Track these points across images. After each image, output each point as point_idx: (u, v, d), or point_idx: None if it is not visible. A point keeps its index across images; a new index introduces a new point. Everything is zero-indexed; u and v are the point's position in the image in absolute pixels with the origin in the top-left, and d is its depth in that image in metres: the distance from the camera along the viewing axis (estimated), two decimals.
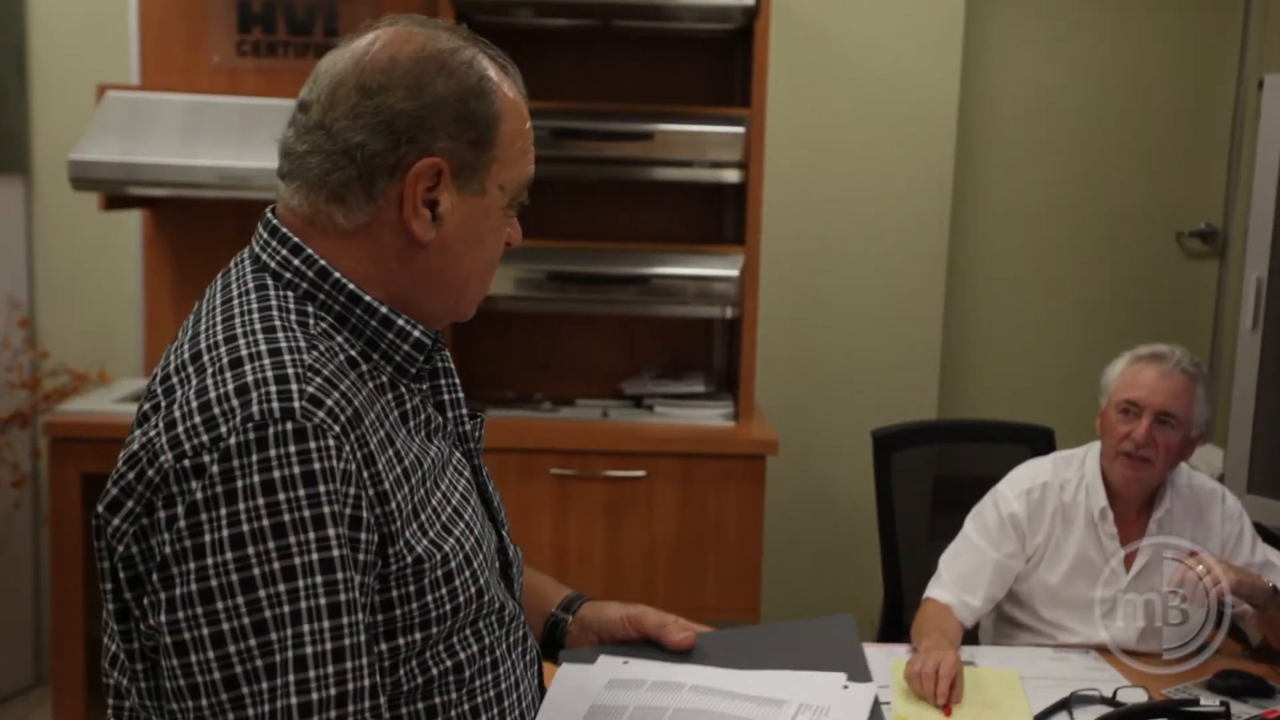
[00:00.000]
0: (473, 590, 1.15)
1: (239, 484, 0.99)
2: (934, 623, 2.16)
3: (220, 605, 0.98)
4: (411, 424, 1.16)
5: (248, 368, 1.05)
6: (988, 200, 3.85)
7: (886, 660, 2.09)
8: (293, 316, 1.11)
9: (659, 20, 3.18)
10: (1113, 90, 3.84)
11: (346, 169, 1.12)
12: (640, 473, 3.05)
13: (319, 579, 1.00)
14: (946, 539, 2.32)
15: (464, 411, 1.28)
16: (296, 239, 1.15)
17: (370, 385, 1.12)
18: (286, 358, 1.06)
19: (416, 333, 1.17)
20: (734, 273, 3.16)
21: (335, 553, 1.01)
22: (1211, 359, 3.85)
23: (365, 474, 1.05)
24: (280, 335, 1.08)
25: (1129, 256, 3.91)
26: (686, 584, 3.08)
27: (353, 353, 1.13)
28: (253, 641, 0.98)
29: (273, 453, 1.00)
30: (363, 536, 1.04)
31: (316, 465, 1.01)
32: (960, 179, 3.77)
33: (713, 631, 1.42)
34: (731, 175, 3.18)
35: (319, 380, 1.05)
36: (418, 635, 1.11)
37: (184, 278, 3.47)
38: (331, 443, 1.02)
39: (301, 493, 1.00)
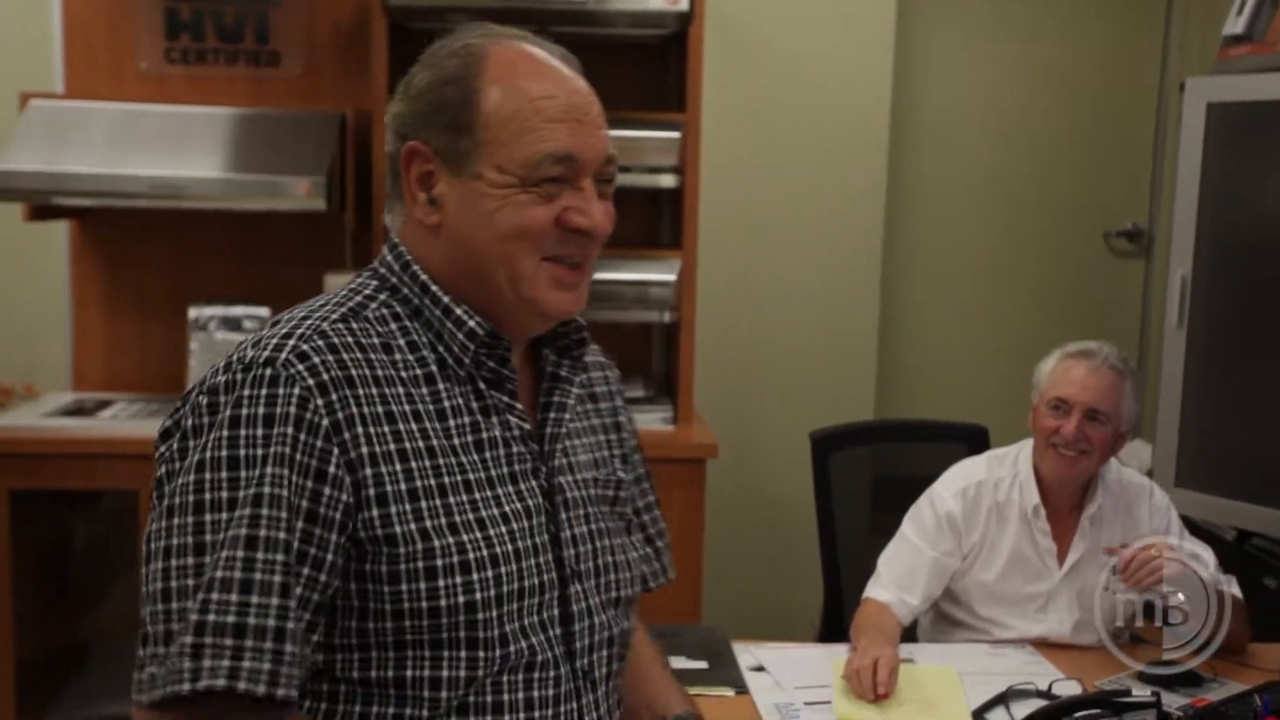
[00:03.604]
0: (459, 601, 1.12)
1: (216, 417, 1.09)
2: (873, 621, 2.18)
3: (176, 522, 1.07)
4: (452, 423, 1.17)
5: (275, 329, 1.15)
6: (920, 204, 3.91)
7: (827, 660, 2.10)
8: (352, 300, 1.19)
9: (593, 26, 3.18)
10: (1040, 95, 3.91)
11: (388, 175, 1.23)
12: None
13: (247, 511, 1.06)
14: (885, 538, 2.35)
15: (557, 446, 1.24)
16: (395, 239, 1.24)
17: (406, 374, 1.16)
18: (307, 322, 1.15)
19: (471, 323, 1.19)
20: (671, 277, 3.16)
21: (267, 489, 1.06)
22: (1140, 355, 3.93)
23: (338, 436, 1.09)
24: (320, 308, 1.18)
25: (1059, 257, 3.99)
26: None
27: (414, 338, 1.18)
28: (190, 560, 1.06)
29: (246, 392, 1.09)
30: (326, 491, 1.08)
31: (278, 409, 1.08)
32: (893, 183, 3.81)
33: None
34: (668, 180, 3.18)
35: (319, 342, 1.12)
36: (389, 624, 1.11)
37: (114, 289, 3.41)
38: (298, 391, 1.09)
39: (259, 432, 1.08)
